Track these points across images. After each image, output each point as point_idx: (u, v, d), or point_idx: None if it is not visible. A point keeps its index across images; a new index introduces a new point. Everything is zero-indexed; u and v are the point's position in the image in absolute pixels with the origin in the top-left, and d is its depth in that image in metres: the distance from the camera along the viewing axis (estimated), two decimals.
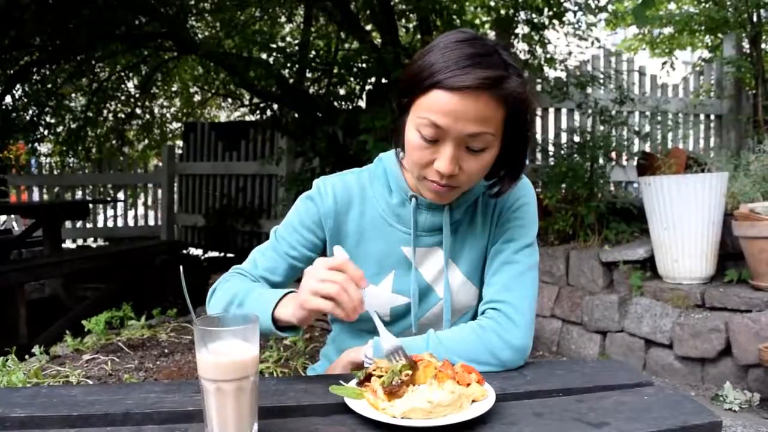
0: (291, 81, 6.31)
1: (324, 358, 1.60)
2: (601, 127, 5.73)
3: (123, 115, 8.93)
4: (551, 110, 6.48)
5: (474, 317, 1.45)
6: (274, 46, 6.50)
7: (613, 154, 5.57)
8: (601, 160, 5.35)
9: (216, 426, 0.97)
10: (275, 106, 6.67)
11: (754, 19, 6.18)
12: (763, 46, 6.49)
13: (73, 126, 8.31)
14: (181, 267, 1.01)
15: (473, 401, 1.06)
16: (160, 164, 9.69)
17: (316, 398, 1.14)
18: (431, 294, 1.43)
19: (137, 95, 8.74)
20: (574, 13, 6.58)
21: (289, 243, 1.44)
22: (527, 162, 6.08)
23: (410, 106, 1.26)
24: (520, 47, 6.30)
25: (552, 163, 5.76)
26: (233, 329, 0.98)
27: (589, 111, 5.79)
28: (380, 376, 1.11)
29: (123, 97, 8.74)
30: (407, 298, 1.42)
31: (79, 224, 9.34)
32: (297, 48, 6.84)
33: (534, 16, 6.24)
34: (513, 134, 1.28)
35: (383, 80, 5.52)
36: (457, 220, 1.42)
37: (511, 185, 1.37)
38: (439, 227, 1.41)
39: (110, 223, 9.70)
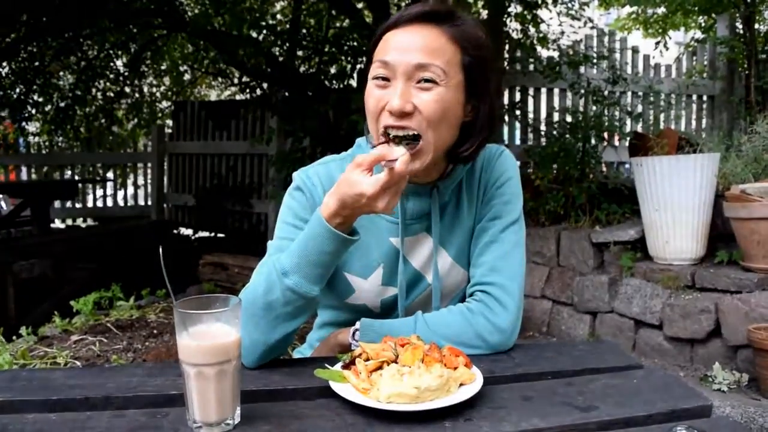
0: (281, 59, 6.25)
1: (309, 345, 1.57)
2: (594, 107, 5.72)
3: (112, 94, 8.83)
4: (543, 90, 6.45)
5: (463, 299, 1.43)
6: (264, 24, 6.42)
7: (606, 135, 5.56)
8: (593, 141, 5.34)
9: (197, 410, 0.95)
10: (265, 85, 6.61)
11: None
12: (756, 26, 6.46)
13: (61, 104, 8.21)
14: (160, 248, 0.98)
15: (461, 385, 1.05)
16: (150, 143, 9.60)
17: (301, 382, 1.12)
18: (421, 281, 1.40)
19: (126, 74, 8.63)
20: None
21: (292, 241, 1.27)
22: (519, 142, 6.06)
23: (370, 66, 1.27)
24: (513, 26, 6.26)
25: (544, 143, 5.75)
26: (214, 312, 0.96)
27: (582, 91, 5.77)
28: (366, 360, 1.09)
29: (112, 76, 8.63)
30: (397, 288, 1.39)
31: (68, 204, 9.28)
32: (287, 26, 6.76)
33: None
34: (474, 84, 1.26)
35: None
36: (444, 203, 1.39)
37: (481, 145, 1.33)
38: (426, 213, 1.37)
39: (100, 203, 9.63)
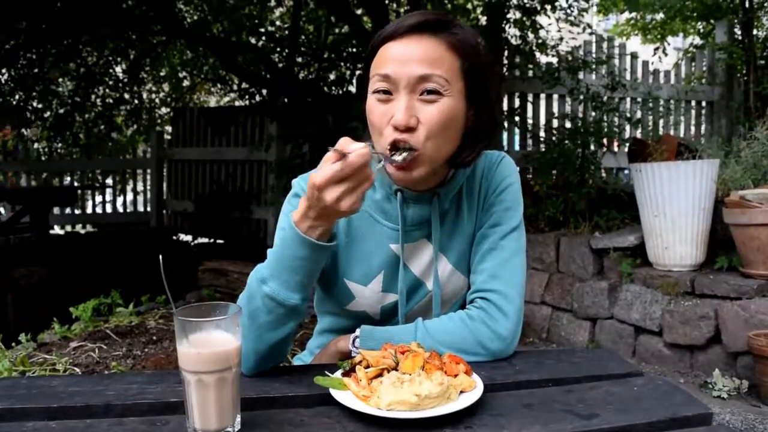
0: (281, 66, 6.26)
1: (309, 351, 1.56)
2: (593, 113, 5.72)
3: (111, 101, 8.82)
4: (542, 96, 6.46)
5: (463, 305, 1.43)
6: (263, 30, 6.43)
7: (605, 141, 5.57)
8: (592, 147, 5.34)
9: (197, 418, 0.95)
10: (265, 92, 6.62)
11: (746, 4, 6.16)
12: (755, 32, 6.48)
13: (60, 111, 8.22)
14: (160, 256, 0.98)
15: (461, 392, 1.04)
16: (149, 150, 9.60)
17: (301, 389, 1.12)
18: (421, 287, 1.39)
19: (125, 80, 8.63)
20: None
21: None
22: (518, 148, 6.05)
23: (369, 80, 1.26)
24: (512, 32, 6.27)
25: (543, 149, 5.75)
26: (214, 320, 0.96)
27: (581, 97, 5.77)
28: (366, 367, 1.09)
29: (111, 82, 8.63)
30: (397, 295, 1.38)
31: (67, 210, 9.28)
32: (287, 32, 6.77)
33: (526, 1, 6.20)
34: (475, 91, 1.26)
35: None
36: (445, 210, 1.38)
37: (482, 151, 1.33)
38: (427, 219, 1.36)
39: (99, 209, 9.62)
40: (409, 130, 1.19)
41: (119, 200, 9.88)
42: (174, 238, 8.95)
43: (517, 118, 6.35)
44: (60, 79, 8.42)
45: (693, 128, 7.19)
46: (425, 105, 1.20)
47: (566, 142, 5.36)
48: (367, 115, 1.26)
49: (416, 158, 1.21)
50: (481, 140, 1.31)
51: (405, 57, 1.19)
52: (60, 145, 9.08)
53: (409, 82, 1.18)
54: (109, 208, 9.66)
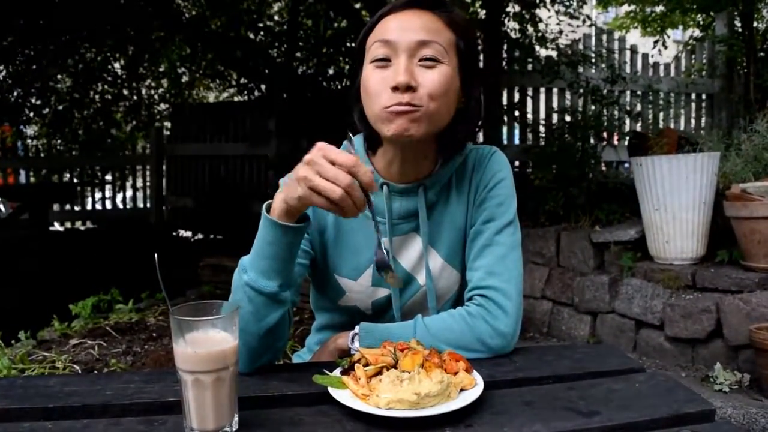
0: (279, 61, 6.24)
1: (308, 348, 1.56)
2: (593, 107, 5.70)
3: (110, 97, 8.81)
4: (542, 90, 6.44)
5: (457, 302, 1.42)
6: (262, 25, 6.41)
7: (605, 134, 5.55)
8: (592, 140, 5.33)
9: (194, 418, 0.94)
10: (264, 87, 6.60)
11: None
12: (755, 24, 6.44)
13: (59, 108, 8.21)
14: (155, 255, 0.97)
15: (461, 390, 1.04)
16: (149, 146, 9.59)
17: (300, 387, 1.11)
18: (412, 282, 1.39)
19: (124, 76, 8.62)
20: None
21: None
22: (518, 142, 6.04)
23: (364, 56, 1.29)
24: (511, 26, 6.25)
25: (543, 144, 5.74)
26: (211, 319, 0.95)
27: (581, 90, 5.75)
28: (365, 365, 1.08)
29: (110, 78, 8.62)
30: (388, 290, 1.37)
31: (67, 207, 9.27)
32: (285, 27, 6.75)
33: None
34: (467, 69, 1.30)
35: None
36: (433, 202, 1.37)
37: (471, 132, 1.36)
38: (414, 212, 1.35)
39: (99, 206, 9.62)
40: (409, 90, 1.20)
41: (119, 196, 9.88)
42: (174, 234, 8.95)
43: (516, 113, 6.33)
44: (58, 76, 8.41)
45: (693, 121, 7.17)
46: (425, 70, 1.22)
47: (566, 136, 5.34)
48: (363, 86, 1.27)
49: (419, 116, 1.21)
50: (472, 121, 1.34)
51: (405, 25, 1.23)
52: (59, 141, 9.07)
53: (410, 46, 1.22)
54: (108, 205, 9.65)
